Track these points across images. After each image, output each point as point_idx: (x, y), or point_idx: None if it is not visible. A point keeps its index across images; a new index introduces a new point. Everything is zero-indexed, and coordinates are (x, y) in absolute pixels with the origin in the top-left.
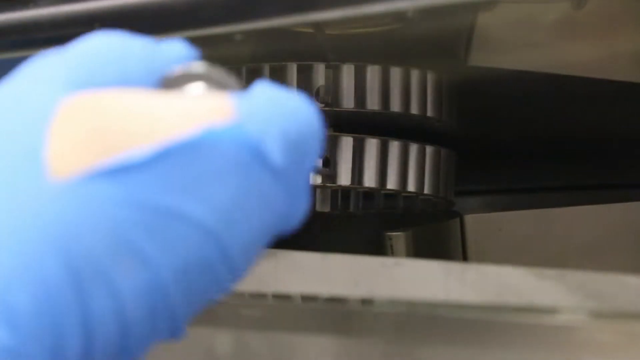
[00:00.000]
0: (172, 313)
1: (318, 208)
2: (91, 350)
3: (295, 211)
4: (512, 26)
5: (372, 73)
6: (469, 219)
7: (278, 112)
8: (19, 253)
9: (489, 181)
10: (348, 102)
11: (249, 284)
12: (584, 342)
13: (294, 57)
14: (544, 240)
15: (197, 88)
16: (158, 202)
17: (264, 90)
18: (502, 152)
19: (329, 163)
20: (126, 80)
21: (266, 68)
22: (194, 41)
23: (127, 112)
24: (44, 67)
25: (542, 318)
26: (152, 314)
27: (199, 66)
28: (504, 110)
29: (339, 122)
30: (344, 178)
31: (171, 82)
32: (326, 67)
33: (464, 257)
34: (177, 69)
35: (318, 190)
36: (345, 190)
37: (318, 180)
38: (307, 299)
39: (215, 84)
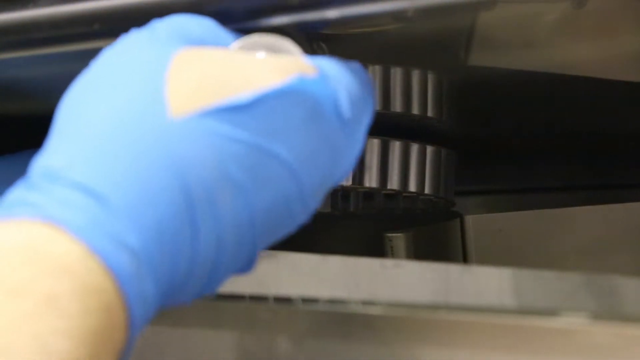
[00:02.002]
0: (253, 245)
1: (318, 208)
2: (193, 266)
3: (350, 159)
4: (512, 26)
5: (373, 73)
6: (469, 219)
7: (344, 72)
8: (145, 177)
9: (489, 181)
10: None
11: (249, 286)
12: (583, 344)
13: None
14: (544, 240)
15: (261, 54)
16: (254, 140)
17: (326, 57)
18: (502, 152)
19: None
20: (212, 44)
21: None
22: None
23: (228, 64)
24: (149, 31)
25: (541, 320)
26: (240, 242)
27: (264, 36)
28: (504, 110)
29: None
30: (373, 180)
31: (241, 49)
32: None
33: (464, 258)
34: (244, 39)
35: None
36: (346, 191)
37: (348, 181)
38: (307, 301)
39: (278, 50)
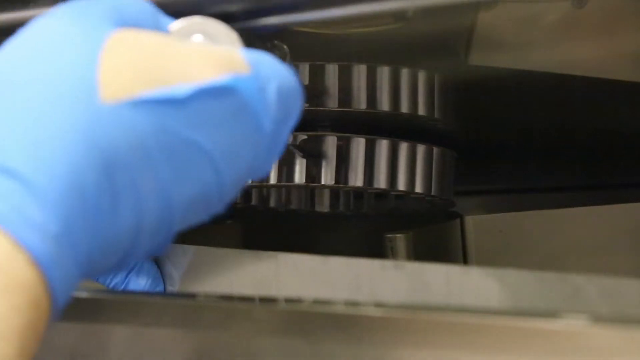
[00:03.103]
0: (169, 229)
1: (317, 208)
2: (113, 244)
3: (272, 156)
4: (513, 25)
5: (359, 73)
6: (469, 220)
7: (276, 71)
8: (70, 159)
9: (489, 181)
10: (334, 102)
11: (250, 288)
12: (584, 346)
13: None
14: (544, 241)
15: (198, 38)
16: (181, 132)
17: (261, 54)
18: (502, 152)
19: (317, 163)
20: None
21: None
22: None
23: (163, 50)
24: (82, 7)
25: (542, 322)
26: (158, 226)
27: (203, 20)
28: (505, 110)
29: (329, 122)
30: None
31: (177, 33)
32: (310, 67)
33: (465, 259)
34: (182, 21)
35: (317, 191)
36: (346, 191)
37: (332, 180)
38: (306, 301)
39: (215, 36)
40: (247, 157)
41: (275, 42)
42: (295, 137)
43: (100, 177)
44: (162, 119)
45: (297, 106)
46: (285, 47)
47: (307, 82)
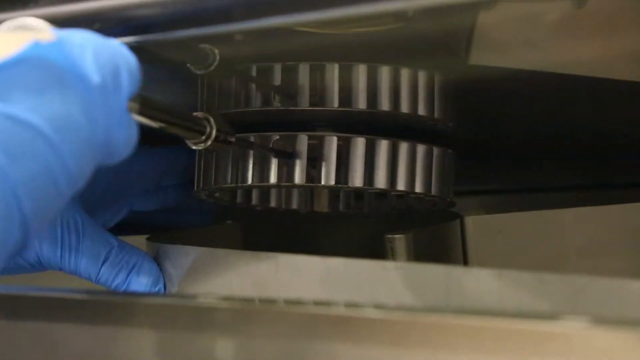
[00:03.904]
0: (22, 216)
1: (317, 208)
2: None
3: (119, 135)
4: (513, 25)
5: (358, 72)
6: (469, 220)
7: (90, 40)
8: None
9: (489, 182)
10: (334, 101)
11: (250, 289)
12: (584, 348)
13: (292, 56)
14: (544, 241)
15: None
16: None
17: (75, 30)
18: (502, 152)
19: (316, 163)
20: None
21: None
22: (193, 41)
23: None
24: None
25: (542, 324)
26: (8, 218)
27: (15, 20)
28: (505, 110)
29: (327, 122)
30: (330, 178)
31: None
32: (282, 68)
33: (465, 259)
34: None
35: (317, 190)
36: (335, 190)
37: (303, 179)
38: (307, 302)
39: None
40: (82, 127)
41: (205, 45)
42: (268, 138)
43: None
44: None
45: (126, 74)
46: (216, 50)
47: (279, 83)
